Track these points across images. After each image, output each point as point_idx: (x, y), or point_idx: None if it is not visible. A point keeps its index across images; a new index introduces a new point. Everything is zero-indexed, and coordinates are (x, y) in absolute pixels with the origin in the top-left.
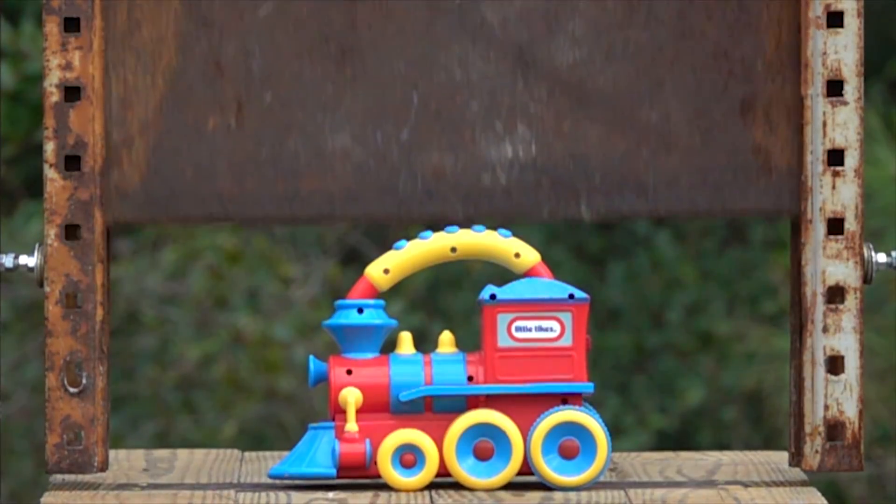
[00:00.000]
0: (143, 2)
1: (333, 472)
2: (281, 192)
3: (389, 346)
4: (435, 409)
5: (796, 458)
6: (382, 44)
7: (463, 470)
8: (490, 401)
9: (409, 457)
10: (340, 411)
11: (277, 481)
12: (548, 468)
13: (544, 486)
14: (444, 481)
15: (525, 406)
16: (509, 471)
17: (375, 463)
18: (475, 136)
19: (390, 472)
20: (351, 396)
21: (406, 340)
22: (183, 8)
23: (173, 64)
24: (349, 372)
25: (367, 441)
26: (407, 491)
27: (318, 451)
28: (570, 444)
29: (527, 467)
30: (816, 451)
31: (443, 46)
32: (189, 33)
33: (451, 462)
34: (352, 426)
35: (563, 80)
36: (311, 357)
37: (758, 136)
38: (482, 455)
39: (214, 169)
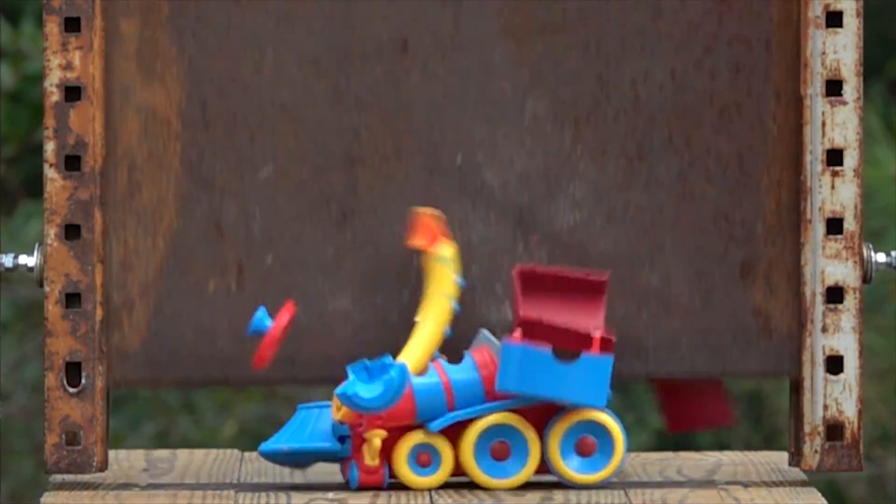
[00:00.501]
0: (143, 164)
1: (337, 445)
2: (281, 355)
3: None
4: None
5: (796, 458)
6: (383, 206)
7: (480, 470)
8: None
9: (424, 457)
10: (360, 439)
11: (277, 480)
12: (566, 466)
13: (546, 485)
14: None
15: (540, 406)
16: (526, 471)
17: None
18: (475, 299)
19: (406, 471)
20: (378, 439)
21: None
22: (183, 170)
23: (174, 226)
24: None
25: (386, 465)
26: (422, 490)
27: (315, 427)
28: (587, 441)
29: (543, 467)
30: (816, 451)
31: (443, 209)
32: (190, 195)
33: (468, 463)
34: (375, 461)
35: (563, 243)
36: (262, 309)
37: (758, 298)
38: (499, 456)
39: (215, 331)
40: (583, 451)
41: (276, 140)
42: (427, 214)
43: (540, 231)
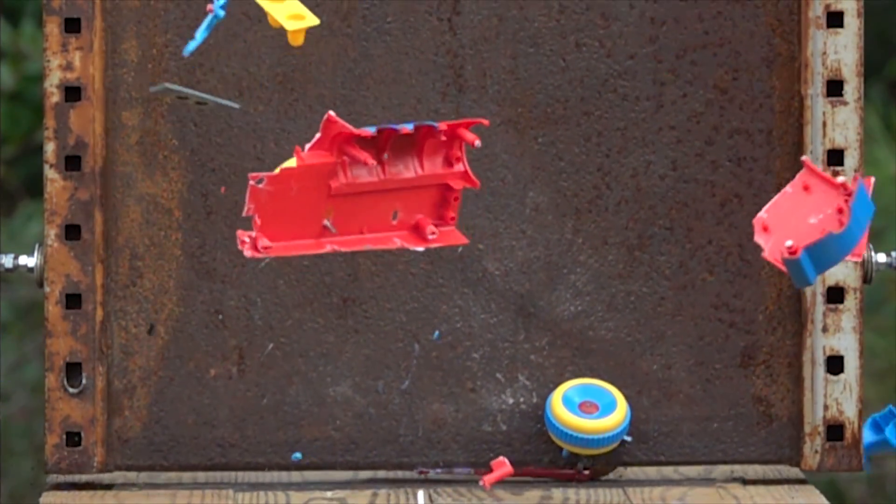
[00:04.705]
0: (144, 252)
1: None
2: (282, 440)
3: None
4: None
5: (796, 459)
6: (383, 294)
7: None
8: None
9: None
10: None
11: (276, 480)
12: (573, 416)
13: (544, 484)
14: (441, 479)
15: None
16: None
17: None
18: (476, 386)
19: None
20: None
21: None
22: (185, 258)
23: (175, 313)
24: None
25: None
26: None
27: None
28: (589, 403)
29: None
30: (816, 452)
31: (444, 297)
32: (191, 283)
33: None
34: None
35: (564, 331)
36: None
37: (758, 386)
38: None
39: (216, 417)
40: (586, 411)
41: None
42: None
43: (541, 319)
